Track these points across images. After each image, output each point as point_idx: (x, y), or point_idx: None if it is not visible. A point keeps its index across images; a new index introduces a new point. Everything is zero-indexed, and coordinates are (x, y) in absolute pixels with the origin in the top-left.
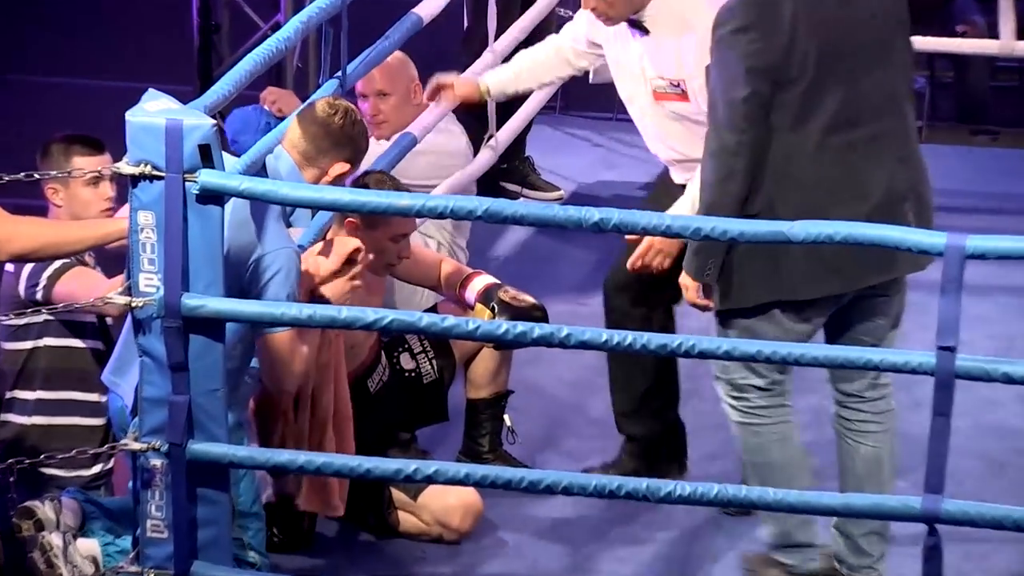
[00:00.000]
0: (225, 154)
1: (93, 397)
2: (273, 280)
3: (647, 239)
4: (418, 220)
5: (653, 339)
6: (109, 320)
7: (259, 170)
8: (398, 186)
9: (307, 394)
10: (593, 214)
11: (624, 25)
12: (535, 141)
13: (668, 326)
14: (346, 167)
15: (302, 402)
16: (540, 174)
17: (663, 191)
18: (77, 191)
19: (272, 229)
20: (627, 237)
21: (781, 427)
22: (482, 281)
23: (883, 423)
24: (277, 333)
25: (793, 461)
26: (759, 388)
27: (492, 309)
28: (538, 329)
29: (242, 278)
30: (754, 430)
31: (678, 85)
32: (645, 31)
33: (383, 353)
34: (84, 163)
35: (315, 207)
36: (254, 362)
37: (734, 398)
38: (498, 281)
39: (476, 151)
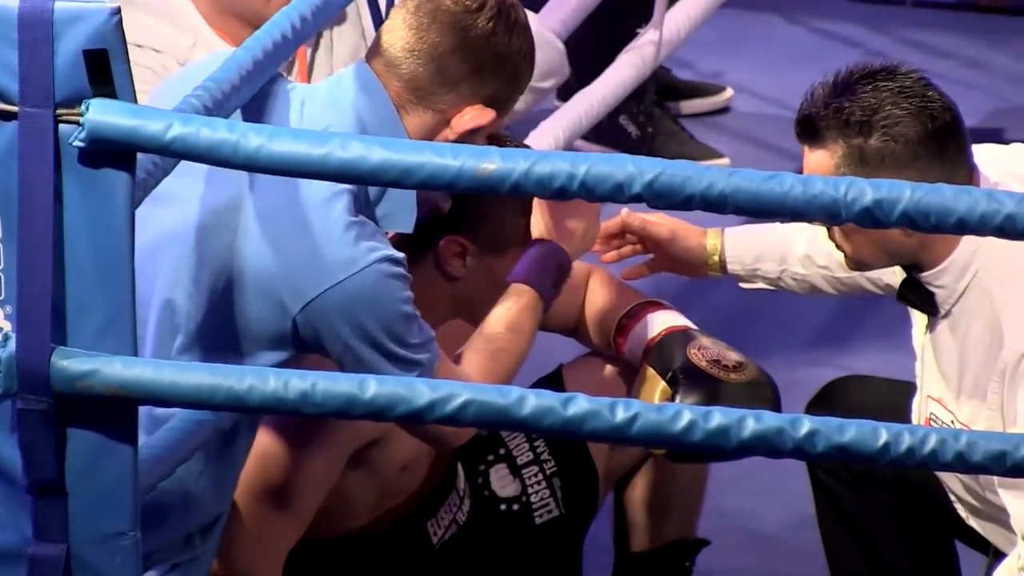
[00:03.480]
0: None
1: None
2: (355, 342)
3: None
4: None
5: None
6: None
7: (262, 108)
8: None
9: None
10: (864, 192)
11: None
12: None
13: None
14: (488, 115)
15: None
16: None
17: None
18: None
19: (328, 224)
20: None
21: None
22: (660, 321)
23: None
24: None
25: None
26: None
27: (672, 379)
28: (755, 422)
29: (278, 333)
30: None
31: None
32: (932, 310)
33: (460, 468)
34: None
35: (320, 175)
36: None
37: None
38: (688, 323)
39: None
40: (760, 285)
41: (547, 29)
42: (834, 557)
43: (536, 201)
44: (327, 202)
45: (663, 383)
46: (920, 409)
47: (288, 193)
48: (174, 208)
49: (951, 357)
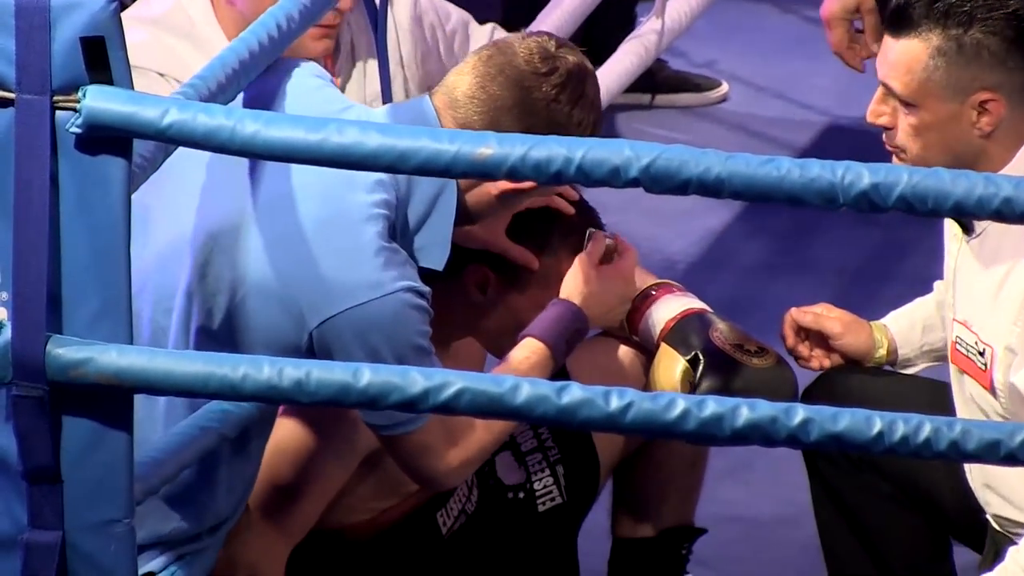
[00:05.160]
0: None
1: None
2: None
3: None
4: None
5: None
6: None
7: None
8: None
9: None
10: (861, 176)
11: None
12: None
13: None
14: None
15: None
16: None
17: None
18: None
19: (360, 244)
20: None
21: None
22: (677, 303)
23: None
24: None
25: None
26: None
27: (693, 359)
28: (749, 410)
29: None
30: None
31: (982, 353)
32: (969, 226)
33: None
34: None
35: (317, 160)
36: None
37: None
38: (705, 307)
39: None
40: (923, 365)
41: None
42: (829, 544)
43: (577, 260)
44: (362, 223)
45: (684, 363)
46: (947, 334)
47: (321, 206)
48: (204, 203)
49: (979, 278)
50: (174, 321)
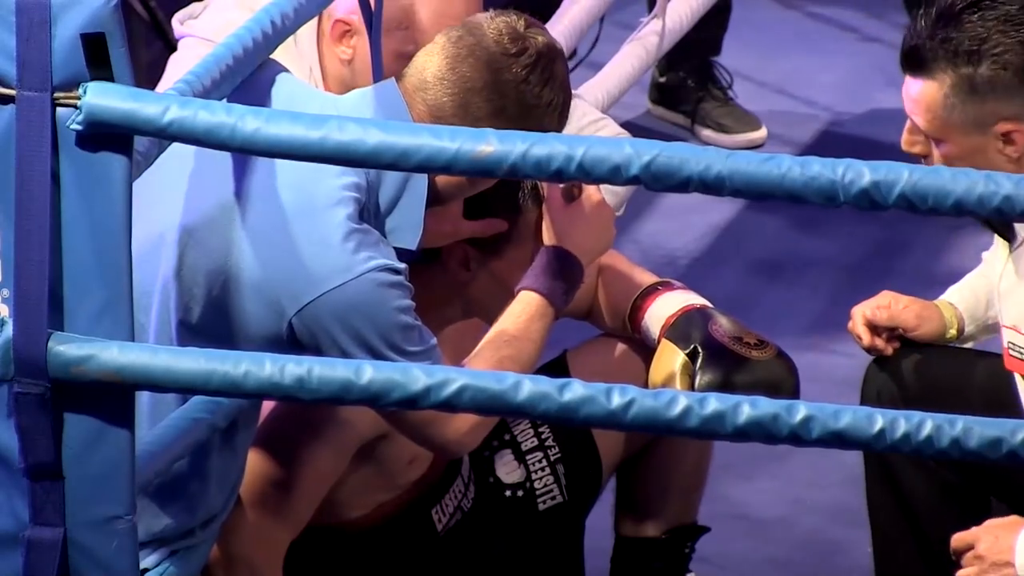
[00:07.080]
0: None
1: None
2: (351, 347)
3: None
4: None
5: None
6: None
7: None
8: None
9: None
10: (861, 174)
11: None
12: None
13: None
14: None
15: None
16: (735, 98)
17: None
18: None
19: (329, 229)
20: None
21: None
22: (677, 300)
23: None
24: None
25: None
26: None
27: (692, 352)
28: (750, 408)
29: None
30: None
31: None
32: (1011, 235)
33: (464, 458)
34: None
35: (318, 157)
36: None
37: None
38: (706, 302)
39: None
40: (982, 338)
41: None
42: (878, 521)
43: (545, 207)
44: (331, 207)
45: (683, 356)
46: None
47: (293, 194)
48: (177, 200)
49: None
50: (153, 318)
